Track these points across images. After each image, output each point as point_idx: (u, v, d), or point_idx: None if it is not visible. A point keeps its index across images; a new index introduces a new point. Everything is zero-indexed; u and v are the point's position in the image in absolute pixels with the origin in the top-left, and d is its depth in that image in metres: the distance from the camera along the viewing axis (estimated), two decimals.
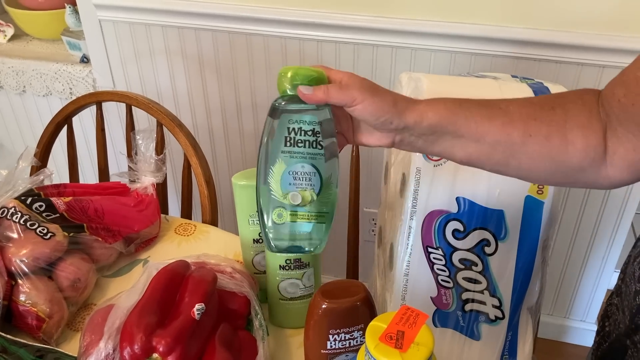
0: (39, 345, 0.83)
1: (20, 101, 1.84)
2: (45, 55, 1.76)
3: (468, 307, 1.01)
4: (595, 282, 1.68)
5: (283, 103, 0.62)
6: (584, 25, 1.31)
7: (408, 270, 0.99)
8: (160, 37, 1.59)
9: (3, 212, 0.90)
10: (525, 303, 1.02)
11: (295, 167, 0.62)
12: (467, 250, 0.97)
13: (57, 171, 1.84)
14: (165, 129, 1.26)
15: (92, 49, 1.67)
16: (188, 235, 1.10)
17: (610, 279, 1.67)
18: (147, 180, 1.06)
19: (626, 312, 0.66)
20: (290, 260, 0.85)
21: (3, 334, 0.82)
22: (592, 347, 0.77)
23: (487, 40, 1.37)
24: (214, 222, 1.22)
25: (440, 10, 1.37)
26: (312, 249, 0.64)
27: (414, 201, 0.95)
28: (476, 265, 0.98)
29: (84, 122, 1.78)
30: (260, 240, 0.90)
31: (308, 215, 0.63)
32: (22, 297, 0.85)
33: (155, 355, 0.69)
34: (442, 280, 0.99)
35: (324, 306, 0.72)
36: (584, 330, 1.78)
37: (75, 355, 0.79)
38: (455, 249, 0.97)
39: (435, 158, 0.94)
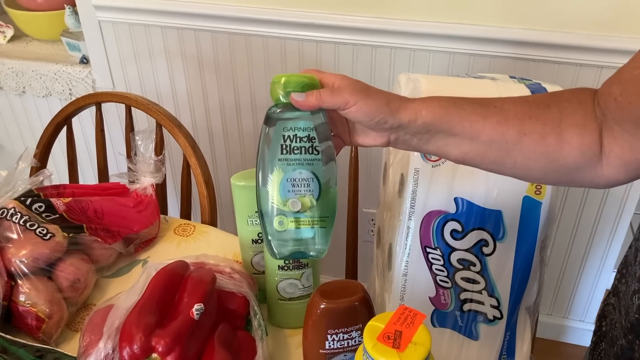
0: (38, 345, 0.83)
1: (20, 102, 1.85)
2: (45, 56, 1.76)
3: (466, 307, 1.01)
4: (594, 282, 1.68)
5: (277, 111, 0.63)
6: (582, 26, 1.31)
7: (406, 271, 0.99)
8: (160, 38, 1.59)
9: (3, 212, 0.91)
10: (523, 303, 1.02)
11: (293, 174, 0.62)
12: (466, 250, 0.97)
13: (56, 172, 1.84)
14: (164, 130, 1.26)
15: (92, 50, 1.67)
16: (187, 236, 1.10)
17: (609, 279, 1.67)
18: (146, 181, 1.07)
19: (622, 312, 0.66)
20: (289, 260, 0.85)
21: (3, 334, 0.83)
22: (589, 347, 0.77)
23: (485, 41, 1.37)
24: (213, 222, 1.22)
25: (439, 11, 1.37)
26: (315, 254, 0.65)
27: (413, 201, 0.95)
28: (474, 265, 0.98)
29: (83, 123, 1.78)
30: (259, 241, 0.90)
31: (309, 221, 0.63)
32: (21, 298, 0.86)
33: (154, 355, 0.69)
34: (440, 280, 1.00)
35: (322, 306, 0.72)
36: (583, 330, 1.78)
37: (75, 356, 0.79)
38: (454, 249, 0.97)
39: (433, 159, 0.94)
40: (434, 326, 1.03)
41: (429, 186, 0.95)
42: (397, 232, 0.99)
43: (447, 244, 0.97)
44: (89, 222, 0.97)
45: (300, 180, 0.63)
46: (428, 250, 0.98)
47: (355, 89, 0.61)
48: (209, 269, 0.83)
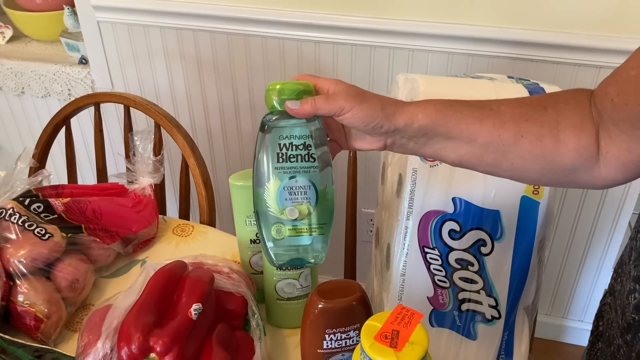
0: (37, 345, 0.83)
1: (18, 102, 1.85)
2: (44, 57, 1.76)
3: (464, 307, 1.01)
4: (593, 281, 1.68)
5: (273, 119, 0.63)
6: (580, 26, 1.31)
7: (404, 270, 0.99)
8: (159, 38, 1.60)
9: (1, 213, 0.91)
10: (521, 303, 1.02)
11: (290, 182, 0.62)
12: (464, 250, 0.97)
13: (55, 172, 1.83)
14: (163, 130, 1.26)
15: (91, 50, 1.67)
16: (186, 236, 1.10)
17: (608, 278, 1.67)
18: (145, 181, 1.07)
19: (619, 311, 0.66)
20: None
21: (1, 335, 0.83)
22: (587, 347, 0.77)
23: (484, 41, 1.37)
24: (211, 222, 1.22)
25: (438, 11, 1.37)
26: (313, 261, 0.65)
27: (411, 201, 0.96)
28: (472, 265, 0.98)
29: (82, 123, 1.78)
30: (258, 241, 0.91)
31: (306, 229, 0.63)
32: (20, 298, 0.86)
33: (152, 355, 0.70)
34: (438, 280, 1.00)
35: (320, 306, 0.73)
36: (582, 330, 1.78)
37: (73, 356, 0.79)
38: (452, 249, 0.97)
39: (431, 159, 0.94)
40: (432, 326, 1.03)
41: (427, 186, 0.95)
42: (395, 232, 0.99)
43: (445, 243, 0.97)
44: (87, 222, 0.98)
45: (297, 188, 0.62)
46: (426, 250, 0.98)
47: (349, 95, 0.61)
48: (207, 269, 0.83)
